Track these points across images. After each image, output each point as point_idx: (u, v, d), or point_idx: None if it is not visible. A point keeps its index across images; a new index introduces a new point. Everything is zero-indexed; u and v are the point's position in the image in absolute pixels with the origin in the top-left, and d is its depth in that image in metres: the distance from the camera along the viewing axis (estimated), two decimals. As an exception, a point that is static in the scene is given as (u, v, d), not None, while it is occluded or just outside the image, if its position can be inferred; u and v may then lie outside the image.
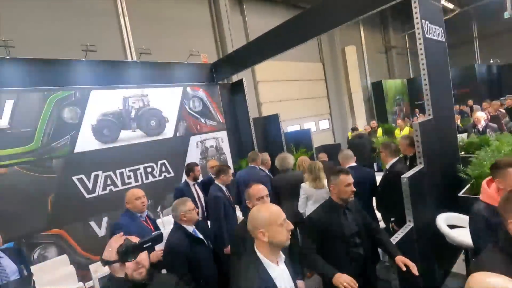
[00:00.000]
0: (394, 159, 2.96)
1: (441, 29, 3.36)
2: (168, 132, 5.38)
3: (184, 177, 4.13)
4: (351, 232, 1.97)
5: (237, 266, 1.34)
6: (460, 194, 2.97)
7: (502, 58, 16.26)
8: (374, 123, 9.76)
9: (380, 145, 3.27)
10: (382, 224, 3.15)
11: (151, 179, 5.00)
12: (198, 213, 2.52)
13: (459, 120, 6.93)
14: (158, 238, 1.44)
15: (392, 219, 2.93)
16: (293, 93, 10.37)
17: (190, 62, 5.83)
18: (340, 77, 12.08)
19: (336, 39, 11.85)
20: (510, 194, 1.28)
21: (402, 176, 2.51)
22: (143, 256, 1.38)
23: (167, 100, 5.39)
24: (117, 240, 1.34)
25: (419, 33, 2.92)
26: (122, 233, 1.40)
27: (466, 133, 5.21)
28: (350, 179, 2.01)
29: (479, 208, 1.75)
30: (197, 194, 3.92)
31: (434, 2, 3.25)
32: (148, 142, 5.05)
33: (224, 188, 3.39)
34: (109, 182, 4.52)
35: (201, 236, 2.35)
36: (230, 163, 6.10)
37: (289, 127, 9.72)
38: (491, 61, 16.18)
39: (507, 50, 16.14)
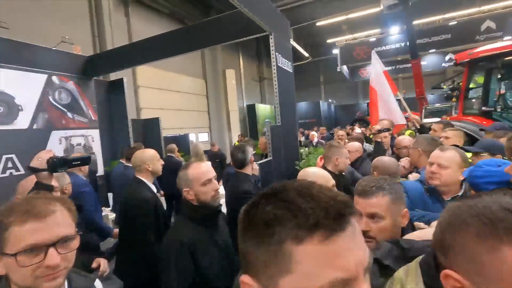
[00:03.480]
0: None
1: (290, 63, 4.60)
2: (22, 122, 4.61)
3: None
4: None
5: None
6: (296, 181, 4.07)
7: (337, 100, 21.86)
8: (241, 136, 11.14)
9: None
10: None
11: (-11, 175, 4.13)
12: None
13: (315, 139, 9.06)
14: (87, 159, 1.63)
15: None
16: (175, 103, 10.61)
17: (60, 49, 5.28)
18: (221, 95, 13.22)
19: (219, 60, 13.04)
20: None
21: (255, 163, 3.28)
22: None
23: (24, 86, 4.66)
24: (47, 153, 1.44)
25: (273, 61, 3.95)
26: (51, 149, 1.53)
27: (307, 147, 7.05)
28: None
29: None
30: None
31: (285, 41, 4.44)
32: (-9, 131, 4.20)
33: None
34: None
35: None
36: (100, 164, 5.71)
37: (169, 136, 9.81)
38: (330, 101, 21.45)
39: (340, 94, 21.91)
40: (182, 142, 7.06)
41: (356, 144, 3.37)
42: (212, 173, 1.59)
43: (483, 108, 3.76)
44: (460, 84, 4.38)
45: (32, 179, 1.55)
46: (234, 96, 14.11)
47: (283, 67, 4.29)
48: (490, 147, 2.08)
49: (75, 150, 5.38)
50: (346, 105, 21.44)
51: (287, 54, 4.53)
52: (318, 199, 0.42)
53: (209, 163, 1.67)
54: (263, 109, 16.86)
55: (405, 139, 2.90)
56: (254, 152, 3.85)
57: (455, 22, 13.15)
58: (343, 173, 2.73)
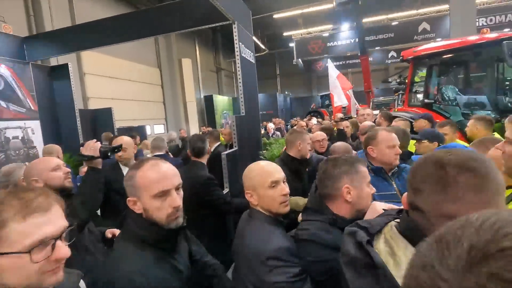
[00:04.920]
0: (217, 144, 3.73)
1: (252, 53, 4.60)
2: None
3: None
4: None
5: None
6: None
7: (293, 92, 22.55)
8: (203, 128, 10.96)
9: (207, 133, 4.00)
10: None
11: None
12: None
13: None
14: (120, 147, 2.00)
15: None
16: (127, 93, 9.92)
17: (-13, 27, 4.55)
18: (177, 86, 12.71)
19: (174, 49, 12.47)
20: None
21: (222, 153, 3.26)
22: None
23: None
24: (94, 145, 1.79)
25: (237, 52, 3.91)
26: (95, 140, 1.85)
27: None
28: None
29: None
30: None
31: (247, 32, 4.42)
32: None
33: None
34: None
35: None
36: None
37: (123, 127, 9.17)
38: (286, 93, 22.04)
39: (295, 86, 22.62)
40: (138, 134, 6.67)
41: (323, 133, 3.54)
42: (174, 181, 1.06)
43: (426, 100, 4.25)
44: (406, 78, 4.87)
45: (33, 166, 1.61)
46: (191, 87, 13.68)
47: (246, 57, 4.27)
48: (429, 136, 2.41)
49: (12, 144, 4.75)
50: (301, 98, 22.22)
51: (250, 45, 4.52)
52: None
53: (170, 165, 1.11)
54: (221, 101, 16.66)
55: (367, 124, 3.14)
56: (219, 142, 3.82)
57: (397, 23, 14.38)
58: (307, 158, 2.84)
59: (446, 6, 10.86)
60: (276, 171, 1.34)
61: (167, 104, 12.25)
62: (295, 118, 14.58)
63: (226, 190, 3.27)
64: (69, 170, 1.71)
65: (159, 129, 11.79)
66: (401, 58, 4.82)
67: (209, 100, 15.47)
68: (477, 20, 10.82)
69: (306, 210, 1.33)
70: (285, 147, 3.37)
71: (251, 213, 1.33)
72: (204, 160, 2.71)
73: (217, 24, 4.05)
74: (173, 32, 4.48)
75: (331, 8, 12.44)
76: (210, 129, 10.74)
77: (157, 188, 1.01)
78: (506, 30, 11.48)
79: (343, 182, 1.20)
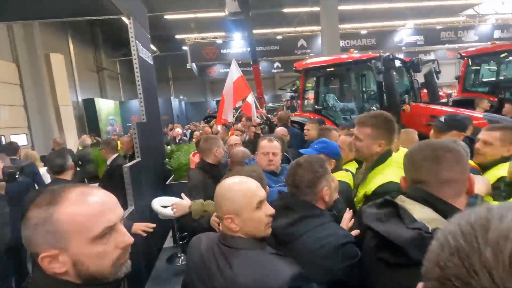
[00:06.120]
0: (114, 155, 3.22)
1: (150, 54, 4.19)
2: None
3: None
4: None
5: None
6: (168, 182, 3.81)
7: (187, 97, 22.07)
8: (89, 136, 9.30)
9: (102, 143, 3.40)
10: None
11: None
12: None
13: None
14: None
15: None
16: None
17: None
18: (44, 86, 10.33)
19: (37, 41, 10.10)
20: None
21: (123, 166, 2.82)
22: None
23: None
24: None
25: (134, 51, 3.47)
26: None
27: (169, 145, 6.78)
28: None
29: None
30: None
31: (144, 30, 4.01)
32: None
33: None
34: None
35: None
36: None
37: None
38: (181, 97, 21.38)
39: (189, 91, 22.23)
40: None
41: (237, 138, 3.58)
42: (118, 211, 0.79)
43: (316, 106, 4.93)
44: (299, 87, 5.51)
45: None
46: (64, 88, 11.38)
47: (144, 57, 3.85)
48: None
49: None
50: (196, 102, 21.96)
51: (147, 44, 4.11)
52: None
53: (102, 190, 0.81)
54: (105, 105, 14.60)
55: (232, 138, 3.47)
56: (117, 154, 3.30)
57: (281, 37, 16.16)
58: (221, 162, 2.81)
59: (318, 27, 12.92)
60: (258, 187, 1.14)
61: (31, 108, 9.75)
62: (192, 123, 14.28)
63: (130, 209, 2.85)
64: None
65: (21, 139, 9.28)
66: (294, 68, 5.43)
67: (90, 104, 13.29)
68: (342, 41, 13.46)
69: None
70: (193, 152, 3.25)
71: (230, 243, 1.08)
72: (68, 176, 2.42)
73: (102, 17, 3.50)
74: (34, 21, 3.53)
75: (223, 16, 12.82)
76: (99, 139, 9.23)
77: (100, 226, 0.71)
78: (369, 51, 14.78)
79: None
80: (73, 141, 10.47)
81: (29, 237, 0.69)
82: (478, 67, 6.37)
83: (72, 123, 11.66)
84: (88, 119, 13.24)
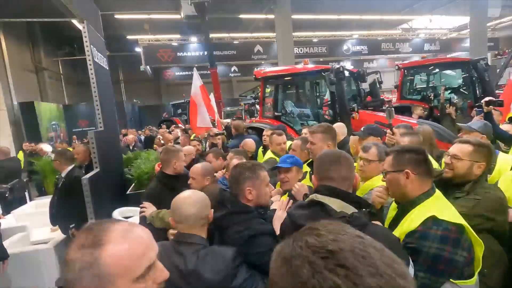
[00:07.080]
0: (70, 167, 3.04)
1: (105, 58, 4.02)
2: None
3: None
4: None
5: None
6: (128, 192, 3.69)
7: (140, 100, 21.05)
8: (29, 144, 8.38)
9: (55, 154, 3.18)
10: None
11: None
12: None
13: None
14: None
15: (71, 225, 2.95)
16: None
17: None
18: (-30, 88, 9.09)
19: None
20: None
21: (82, 178, 2.70)
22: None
23: None
24: None
25: (89, 56, 3.31)
26: None
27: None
28: None
29: None
30: None
31: (98, 32, 3.84)
32: None
33: None
34: None
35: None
36: None
37: None
38: (135, 101, 20.33)
39: (142, 94, 21.25)
40: None
41: (191, 148, 3.58)
42: (155, 246, 0.79)
43: (275, 113, 5.17)
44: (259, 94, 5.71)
45: None
46: (-4, 90, 10.14)
47: (99, 62, 3.68)
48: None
49: None
50: (150, 106, 21.05)
51: (102, 48, 3.93)
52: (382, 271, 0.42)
53: (137, 224, 0.86)
54: (47, 109, 13.26)
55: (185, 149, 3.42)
56: (73, 165, 3.13)
57: (238, 42, 16.37)
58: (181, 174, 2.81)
59: (274, 34, 13.38)
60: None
61: (-47, 113, 8.49)
62: (148, 127, 13.66)
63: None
64: None
65: None
66: (254, 76, 5.62)
67: (28, 108, 11.93)
68: (296, 48, 14.13)
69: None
70: (158, 163, 3.23)
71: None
72: None
73: (54, 20, 3.28)
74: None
75: (179, 19, 12.59)
76: (39, 146, 8.33)
77: (143, 266, 0.71)
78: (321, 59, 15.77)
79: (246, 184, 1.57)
80: (9, 147, 9.32)
81: (74, 280, 0.67)
82: (412, 77, 7.25)
83: (7, 129, 10.43)
84: (26, 124, 11.89)
